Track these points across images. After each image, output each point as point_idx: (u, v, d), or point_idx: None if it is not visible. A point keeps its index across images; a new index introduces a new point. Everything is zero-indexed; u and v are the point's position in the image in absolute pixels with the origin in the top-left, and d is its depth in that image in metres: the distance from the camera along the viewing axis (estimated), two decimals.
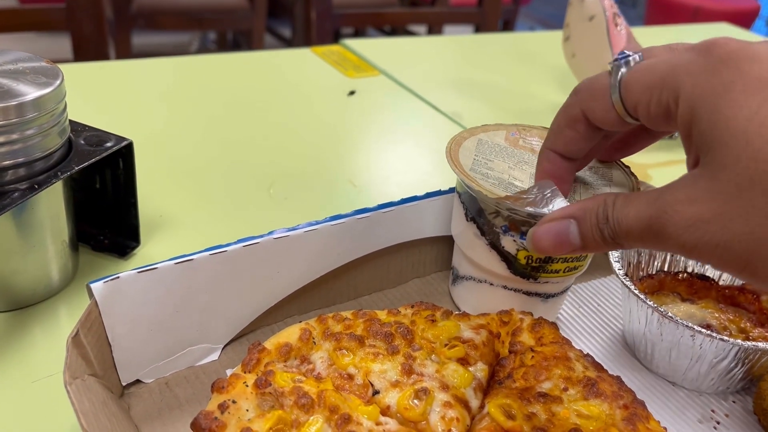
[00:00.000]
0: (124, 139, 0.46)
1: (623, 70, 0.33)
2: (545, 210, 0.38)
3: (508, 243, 0.42)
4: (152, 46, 2.50)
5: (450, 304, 0.50)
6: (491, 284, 0.46)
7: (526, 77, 1.00)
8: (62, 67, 0.44)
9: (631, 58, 0.33)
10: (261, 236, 0.42)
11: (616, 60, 0.34)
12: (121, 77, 0.84)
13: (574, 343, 0.48)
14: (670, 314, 0.41)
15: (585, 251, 0.34)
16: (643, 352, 0.46)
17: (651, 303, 0.42)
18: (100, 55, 1.17)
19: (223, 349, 0.43)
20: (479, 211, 0.43)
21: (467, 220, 0.45)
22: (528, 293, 0.45)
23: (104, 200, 0.50)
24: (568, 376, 0.37)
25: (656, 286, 0.50)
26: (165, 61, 0.90)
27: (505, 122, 0.50)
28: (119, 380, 0.39)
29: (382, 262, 0.50)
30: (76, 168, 0.43)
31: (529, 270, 0.43)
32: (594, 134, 0.37)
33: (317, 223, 0.44)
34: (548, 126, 0.40)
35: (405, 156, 0.73)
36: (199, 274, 0.40)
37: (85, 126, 0.47)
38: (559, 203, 0.38)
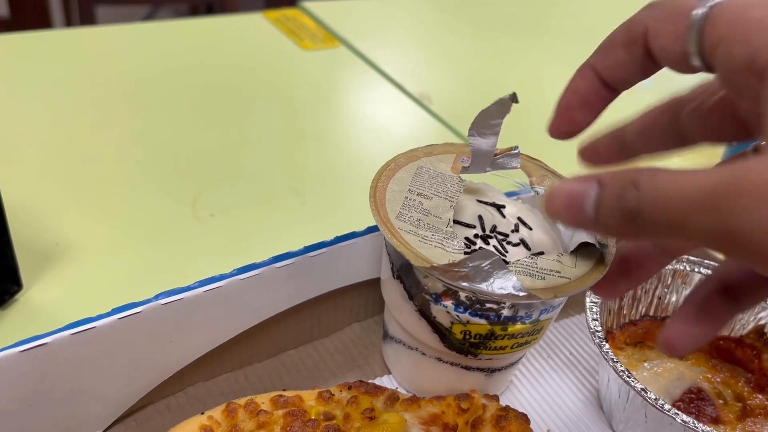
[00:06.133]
0: None
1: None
2: (483, 286, 0.29)
3: (441, 314, 0.33)
4: None
5: None
6: (423, 354, 0.37)
7: (516, 50, 0.89)
8: None
9: None
10: (143, 302, 0.33)
11: None
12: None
13: (538, 407, 0.41)
14: (658, 400, 0.33)
15: (596, 228, 0.26)
16: (622, 426, 0.38)
17: (635, 383, 0.34)
18: (39, 8, 1.05)
19: None
20: (406, 269, 0.34)
21: (393, 276, 0.35)
22: (467, 368, 0.36)
23: None
24: None
25: (640, 335, 0.42)
26: (66, 33, 0.77)
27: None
28: None
29: (311, 310, 0.41)
30: None
31: (467, 346, 0.34)
32: (648, 66, 0.29)
33: (222, 278, 0.36)
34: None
35: (361, 154, 0.63)
36: (58, 358, 0.31)
37: None
38: (502, 277, 0.30)
